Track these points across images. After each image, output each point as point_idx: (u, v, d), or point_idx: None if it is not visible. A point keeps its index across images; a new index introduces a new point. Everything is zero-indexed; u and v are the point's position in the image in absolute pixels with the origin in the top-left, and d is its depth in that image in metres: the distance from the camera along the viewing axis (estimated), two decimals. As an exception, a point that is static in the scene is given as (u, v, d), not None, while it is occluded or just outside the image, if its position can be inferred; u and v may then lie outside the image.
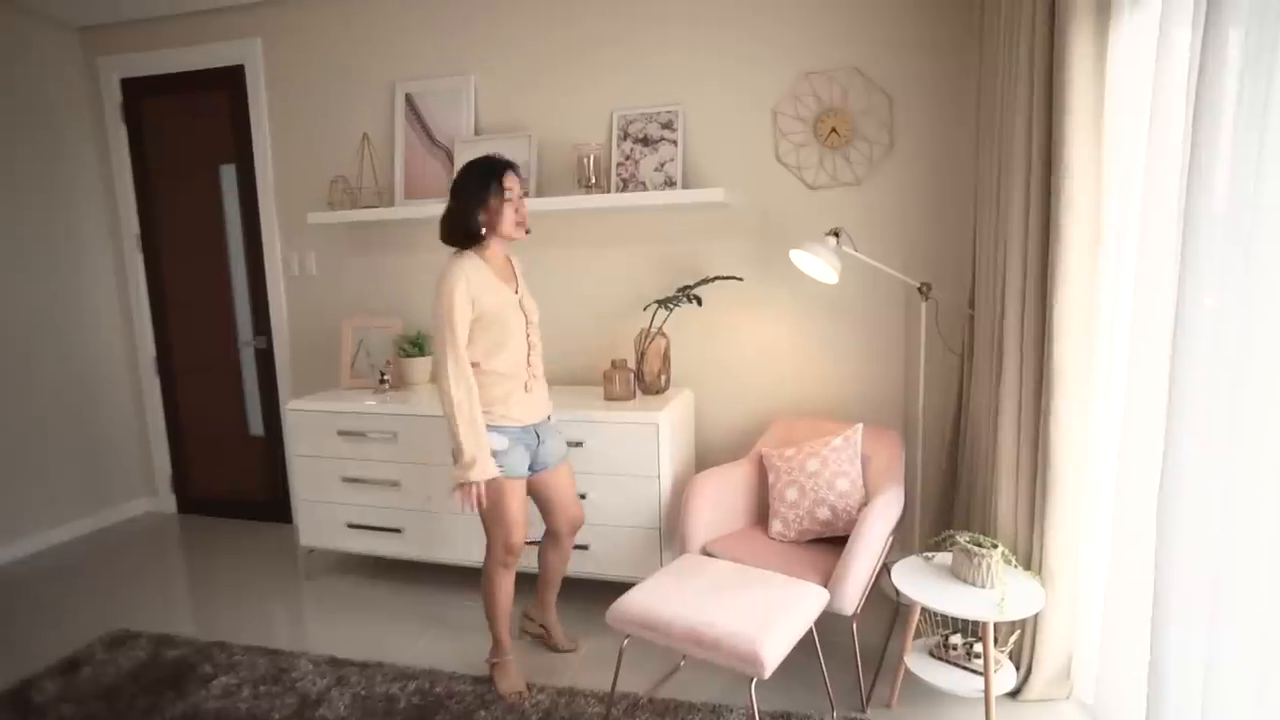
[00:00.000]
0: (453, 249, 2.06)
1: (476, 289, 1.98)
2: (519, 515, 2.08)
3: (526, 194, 2.03)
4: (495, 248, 2.07)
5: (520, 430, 2.08)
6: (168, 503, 3.89)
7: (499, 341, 2.02)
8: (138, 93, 3.56)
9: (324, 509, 2.92)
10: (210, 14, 3.37)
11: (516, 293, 2.09)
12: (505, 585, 2.14)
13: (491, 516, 2.06)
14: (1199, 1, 1.30)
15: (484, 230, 2.01)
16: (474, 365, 2.01)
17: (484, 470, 1.95)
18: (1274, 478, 1.22)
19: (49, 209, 3.47)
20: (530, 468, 2.14)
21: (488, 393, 2.03)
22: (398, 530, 2.84)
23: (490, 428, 2.01)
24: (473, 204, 1.99)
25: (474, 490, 1.95)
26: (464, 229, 2.01)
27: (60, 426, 3.51)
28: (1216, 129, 1.24)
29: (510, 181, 2.01)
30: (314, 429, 2.88)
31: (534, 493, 2.21)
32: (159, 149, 3.59)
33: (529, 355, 2.10)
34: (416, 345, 3.12)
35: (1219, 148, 1.24)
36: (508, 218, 2.02)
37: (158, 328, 3.74)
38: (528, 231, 2.09)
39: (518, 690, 2.15)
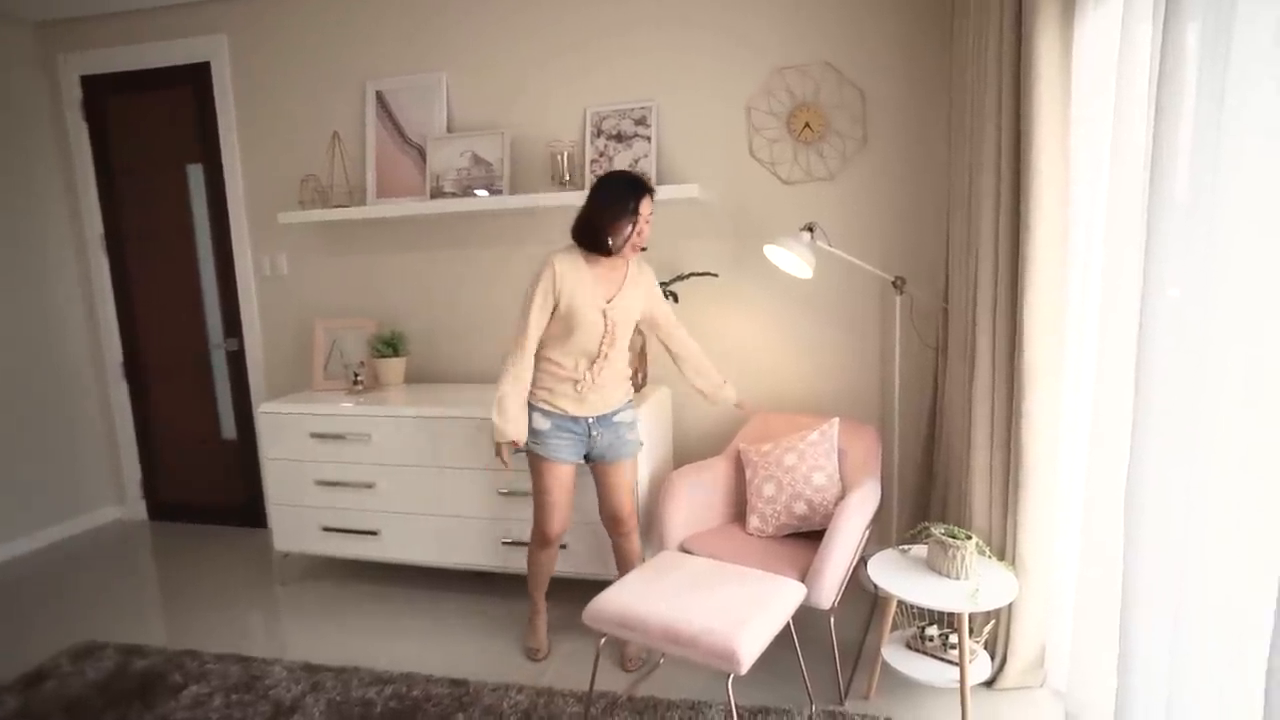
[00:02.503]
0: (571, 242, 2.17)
1: (563, 283, 2.08)
2: (558, 499, 2.22)
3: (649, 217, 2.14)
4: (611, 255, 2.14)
5: (569, 420, 2.18)
6: (138, 509, 3.81)
7: (563, 336, 2.13)
8: (100, 90, 3.48)
9: (298, 513, 2.87)
10: (174, 9, 3.30)
11: (610, 300, 2.13)
12: (538, 559, 2.34)
13: (534, 495, 2.26)
14: (1159, -3, 1.31)
15: (610, 244, 2.08)
16: (541, 347, 2.16)
17: (502, 434, 2.11)
18: (1235, 467, 1.24)
19: (8, 210, 3.37)
20: (587, 457, 2.27)
21: (544, 378, 2.18)
22: (374, 533, 2.80)
23: (535, 408, 2.18)
24: (605, 219, 2.06)
25: (503, 449, 2.13)
26: (591, 238, 2.10)
27: (25, 433, 3.42)
28: (1177, 118, 1.25)
29: (645, 207, 2.08)
30: (287, 432, 2.83)
31: (595, 481, 2.34)
32: (123, 148, 3.50)
33: (594, 361, 2.15)
34: (390, 345, 3.08)
35: (1179, 136, 1.25)
36: (630, 240, 2.09)
37: (125, 330, 3.66)
38: (644, 249, 2.18)
39: (531, 647, 2.36)
